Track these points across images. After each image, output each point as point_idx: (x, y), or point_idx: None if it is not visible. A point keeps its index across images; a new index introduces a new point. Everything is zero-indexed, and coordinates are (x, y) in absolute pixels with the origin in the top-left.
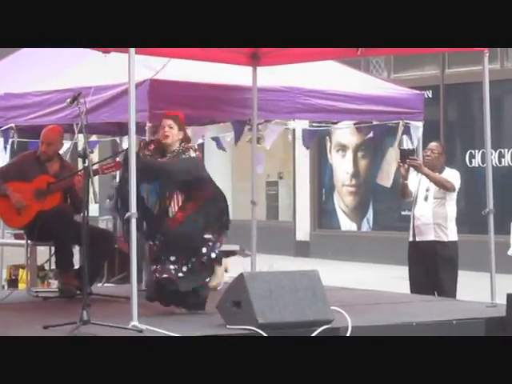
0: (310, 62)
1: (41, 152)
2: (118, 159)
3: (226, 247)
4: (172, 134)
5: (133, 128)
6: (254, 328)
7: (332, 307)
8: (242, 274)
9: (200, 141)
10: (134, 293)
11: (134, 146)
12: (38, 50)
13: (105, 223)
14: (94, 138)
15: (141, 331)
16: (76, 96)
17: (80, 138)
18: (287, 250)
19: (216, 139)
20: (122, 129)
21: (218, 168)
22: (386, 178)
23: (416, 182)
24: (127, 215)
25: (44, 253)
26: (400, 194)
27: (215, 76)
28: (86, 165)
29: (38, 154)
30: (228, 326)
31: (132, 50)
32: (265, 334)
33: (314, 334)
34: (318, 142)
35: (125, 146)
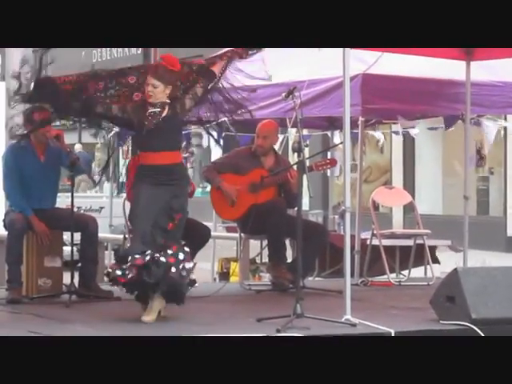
0: None
1: (256, 146)
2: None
3: (436, 242)
4: (155, 93)
5: (347, 122)
6: (467, 323)
7: None
8: (455, 270)
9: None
10: (348, 286)
11: (349, 141)
12: None
13: (315, 217)
14: (305, 132)
15: (354, 325)
16: (291, 90)
17: (292, 132)
18: (498, 246)
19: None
20: (333, 123)
21: (428, 163)
22: None
23: None
24: (341, 209)
25: (255, 246)
26: None
27: (428, 70)
28: (301, 159)
29: (253, 149)
30: (441, 321)
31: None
32: (478, 330)
33: None
34: None
35: (336, 140)
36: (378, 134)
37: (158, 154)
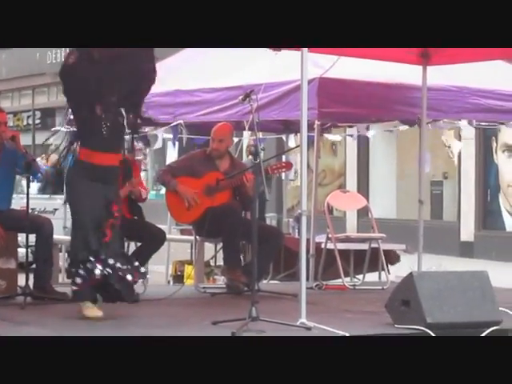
0: (479, 61)
1: (212, 149)
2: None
3: (391, 246)
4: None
5: (304, 126)
6: (422, 328)
7: (500, 308)
8: (411, 274)
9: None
10: (303, 290)
11: (306, 145)
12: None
13: (269, 220)
14: (259, 135)
15: (309, 329)
16: (248, 93)
17: (246, 136)
18: (451, 251)
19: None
20: (288, 127)
21: (382, 167)
22: None
23: None
24: (297, 212)
25: (210, 249)
26: None
27: (384, 75)
28: (257, 162)
29: (208, 152)
30: (396, 326)
31: (305, 50)
32: (433, 334)
33: (482, 335)
34: (483, 142)
35: (291, 143)
36: (334, 136)
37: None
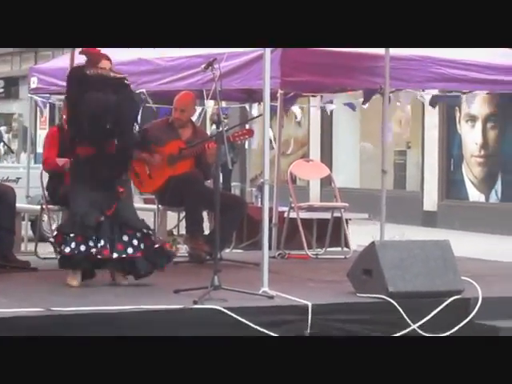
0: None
1: (174, 118)
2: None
3: (353, 215)
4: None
5: (267, 94)
6: (384, 296)
7: (462, 278)
8: (373, 243)
9: (332, 106)
10: (266, 259)
11: (268, 113)
12: None
13: (233, 189)
14: (223, 104)
15: (272, 297)
16: (211, 62)
17: (210, 104)
18: (414, 220)
19: (348, 104)
20: (251, 96)
21: (346, 137)
22: None
23: None
24: (260, 181)
25: (173, 218)
26: None
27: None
28: (220, 130)
29: (170, 121)
30: (358, 294)
31: None
32: (395, 303)
33: (444, 304)
34: (446, 112)
35: (254, 113)
36: (295, 109)
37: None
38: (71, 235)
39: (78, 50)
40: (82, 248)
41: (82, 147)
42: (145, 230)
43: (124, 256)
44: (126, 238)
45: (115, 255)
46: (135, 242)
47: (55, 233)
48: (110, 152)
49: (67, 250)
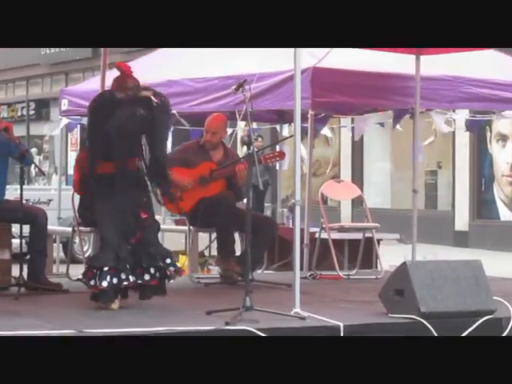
0: (472, 50)
1: (205, 141)
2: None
3: (385, 236)
4: None
5: (298, 115)
6: (416, 317)
7: (494, 297)
8: (404, 263)
9: (364, 131)
10: (297, 280)
11: (299, 134)
12: None
13: (264, 210)
14: (254, 125)
15: (303, 318)
16: (241, 83)
17: (241, 126)
18: (446, 240)
19: (381, 124)
20: (282, 116)
21: (377, 157)
22: None
23: None
24: (291, 202)
25: (204, 239)
26: None
27: (378, 64)
28: (251, 152)
29: (202, 143)
30: (390, 315)
31: None
32: (427, 324)
33: (476, 325)
34: (477, 131)
35: (285, 133)
36: (325, 131)
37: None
38: (105, 269)
39: (108, 72)
40: (115, 281)
41: (103, 166)
42: (161, 264)
43: (140, 282)
44: (145, 264)
45: (137, 281)
46: (152, 270)
47: (85, 268)
48: (131, 169)
49: (104, 284)
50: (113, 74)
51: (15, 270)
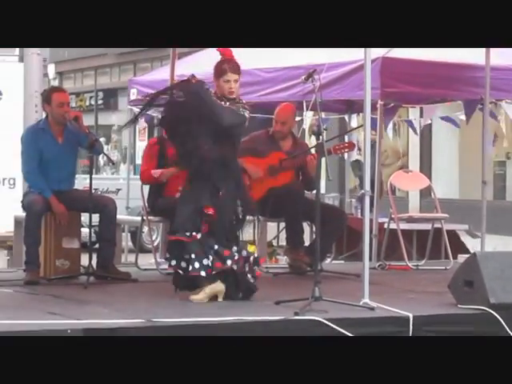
0: None
1: (274, 131)
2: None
3: (454, 226)
4: (236, 89)
5: (368, 105)
6: (485, 308)
7: None
8: (474, 254)
9: (428, 121)
10: (366, 270)
11: (369, 125)
12: None
13: (331, 200)
14: (322, 115)
15: (372, 309)
16: (311, 73)
17: (309, 115)
18: None
19: (446, 118)
20: (350, 106)
21: (445, 148)
22: None
23: None
24: (360, 192)
25: (272, 229)
26: None
27: (447, 54)
28: (320, 141)
29: (271, 132)
30: (459, 306)
31: None
32: (496, 315)
33: None
34: None
35: (353, 124)
36: (389, 131)
37: None
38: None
39: (177, 61)
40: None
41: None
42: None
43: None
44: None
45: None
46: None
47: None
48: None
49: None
50: (181, 64)
51: (84, 259)
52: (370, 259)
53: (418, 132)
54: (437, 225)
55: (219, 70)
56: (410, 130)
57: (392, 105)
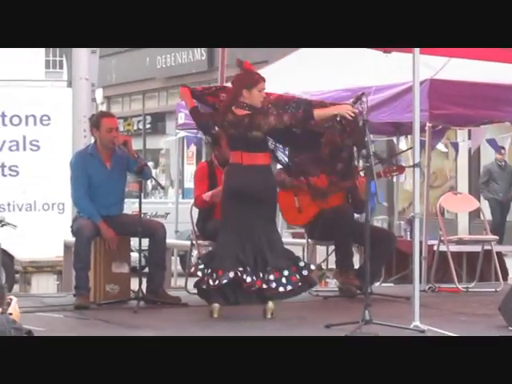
0: None
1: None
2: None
3: (505, 248)
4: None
5: (417, 127)
6: None
7: None
8: None
9: (477, 145)
10: (416, 293)
11: (418, 147)
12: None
13: (380, 223)
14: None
15: (423, 331)
16: (359, 95)
17: None
18: None
19: (490, 141)
20: (398, 129)
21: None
22: None
23: None
24: (410, 215)
25: (322, 252)
26: None
27: (494, 75)
28: (369, 165)
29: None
30: (510, 328)
31: (417, 49)
32: None
33: None
34: None
35: (402, 146)
36: (440, 146)
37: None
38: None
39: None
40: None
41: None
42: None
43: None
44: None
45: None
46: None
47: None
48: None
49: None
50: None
51: (134, 284)
52: (420, 282)
53: (467, 154)
54: (487, 247)
55: (251, 80)
56: (459, 151)
57: (440, 127)
